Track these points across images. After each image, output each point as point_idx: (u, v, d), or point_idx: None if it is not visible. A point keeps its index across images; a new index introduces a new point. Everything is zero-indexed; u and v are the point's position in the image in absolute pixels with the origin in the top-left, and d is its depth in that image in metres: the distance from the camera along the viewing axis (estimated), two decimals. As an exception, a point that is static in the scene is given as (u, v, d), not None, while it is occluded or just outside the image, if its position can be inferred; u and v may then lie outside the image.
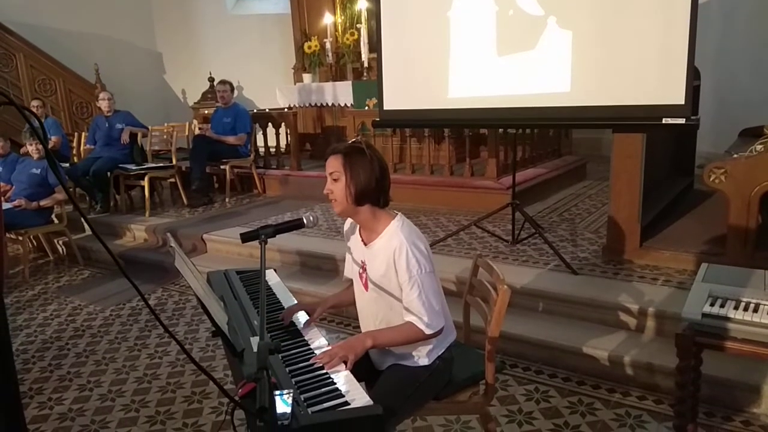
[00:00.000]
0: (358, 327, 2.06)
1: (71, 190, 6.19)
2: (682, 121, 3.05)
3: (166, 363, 3.31)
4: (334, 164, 1.81)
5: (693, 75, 3.05)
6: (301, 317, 2.00)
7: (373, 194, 1.82)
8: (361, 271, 1.95)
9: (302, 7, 8.24)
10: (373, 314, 1.96)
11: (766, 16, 5.62)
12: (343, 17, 7.90)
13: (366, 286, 1.94)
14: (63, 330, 3.89)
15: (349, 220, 2.02)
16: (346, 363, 1.67)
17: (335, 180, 1.81)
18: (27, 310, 4.27)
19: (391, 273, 1.82)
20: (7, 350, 0.84)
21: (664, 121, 3.09)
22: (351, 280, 2.08)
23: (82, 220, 5.61)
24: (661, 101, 3.10)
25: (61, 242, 5.61)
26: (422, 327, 1.78)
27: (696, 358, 2.09)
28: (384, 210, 1.89)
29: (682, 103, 3.03)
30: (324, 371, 1.63)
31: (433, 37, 3.91)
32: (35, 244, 5.77)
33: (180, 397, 2.94)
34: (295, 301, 2.16)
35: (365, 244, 1.92)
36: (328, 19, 7.56)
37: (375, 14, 4.23)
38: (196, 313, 3.99)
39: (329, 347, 1.76)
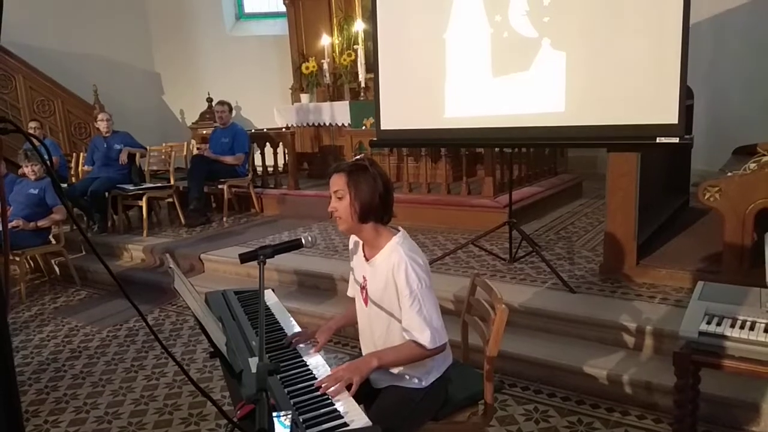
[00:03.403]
0: (356, 346, 2.06)
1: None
2: (675, 140, 3.08)
3: (163, 384, 3.29)
4: (338, 182, 1.83)
5: (686, 94, 3.09)
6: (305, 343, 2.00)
7: (378, 211, 1.84)
8: (362, 286, 1.96)
9: (300, 28, 8.34)
10: (371, 330, 1.96)
11: (756, 34, 5.71)
12: (340, 38, 7.99)
13: (366, 302, 1.95)
14: (59, 351, 3.87)
15: (353, 238, 2.03)
16: (350, 387, 1.66)
17: (340, 198, 1.83)
18: (23, 331, 4.25)
19: (391, 289, 1.83)
20: (11, 372, 0.85)
21: (657, 140, 3.13)
22: (353, 299, 2.08)
23: (83, 239, 5.62)
24: (654, 120, 3.14)
25: (57, 262, 5.59)
26: (424, 344, 1.77)
27: (694, 377, 2.09)
28: (386, 227, 1.90)
29: (676, 122, 3.07)
30: (340, 396, 1.62)
31: (429, 58, 3.96)
32: (32, 264, 5.75)
33: (177, 419, 2.92)
34: (293, 321, 2.16)
35: (367, 260, 1.93)
36: (325, 40, 7.64)
37: (372, 36, 4.29)
38: (194, 334, 3.97)
39: (333, 369, 1.75)
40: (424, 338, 1.77)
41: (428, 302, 1.79)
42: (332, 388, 1.63)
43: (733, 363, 1.92)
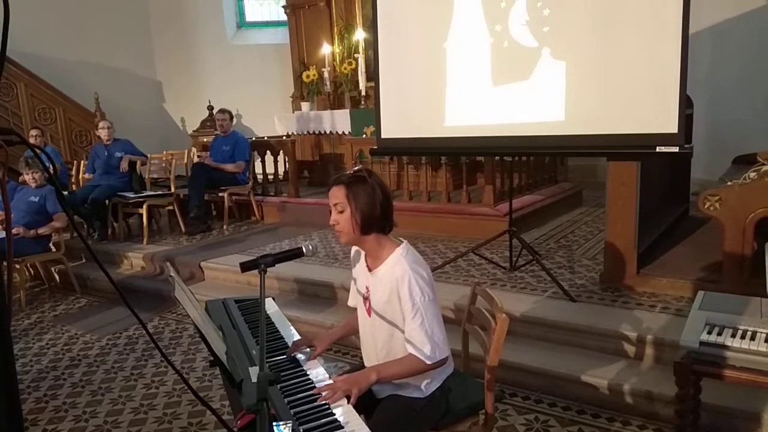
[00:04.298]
0: (356, 355, 2.06)
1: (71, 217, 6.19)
2: (675, 149, 3.09)
3: (163, 393, 3.28)
4: (337, 195, 1.82)
5: (685, 103, 3.10)
6: (304, 350, 2.00)
7: (379, 221, 1.84)
8: (365, 297, 1.96)
9: (301, 37, 8.37)
10: (374, 341, 1.96)
11: (756, 43, 5.74)
12: (341, 47, 8.03)
13: (369, 313, 1.95)
14: (59, 359, 3.86)
15: (355, 247, 2.03)
16: (349, 398, 1.65)
17: (340, 212, 1.82)
18: (23, 339, 4.24)
19: (394, 300, 1.83)
20: (13, 381, 0.85)
21: (657, 149, 3.13)
22: (353, 308, 2.08)
23: (84, 247, 5.62)
24: (654, 130, 3.15)
25: (57, 270, 5.59)
26: (424, 359, 1.77)
27: (695, 387, 2.09)
28: (389, 237, 1.90)
29: (675, 131, 3.08)
30: (340, 406, 1.62)
31: (429, 67, 3.98)
32: (32, 272, 5.75)
33: (176, 428, 2.90)
34: (293, 330, 2.16)
35: (370, 271, 1.93)
36: (326, 49, 7.67)
37: (373, 44, 4.31)
38: (193, 342, 3.96)
39: (332, 379, 1.75)
40: (425, 352, 1.76)
41: (430, 315, 1.78)
42: (330, 399, 1.63)
43: (734, 373, 1.92)
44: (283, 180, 7.01)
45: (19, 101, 7.96)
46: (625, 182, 3.49)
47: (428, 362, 1.78)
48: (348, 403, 1.63)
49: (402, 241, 1.92)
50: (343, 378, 1.74)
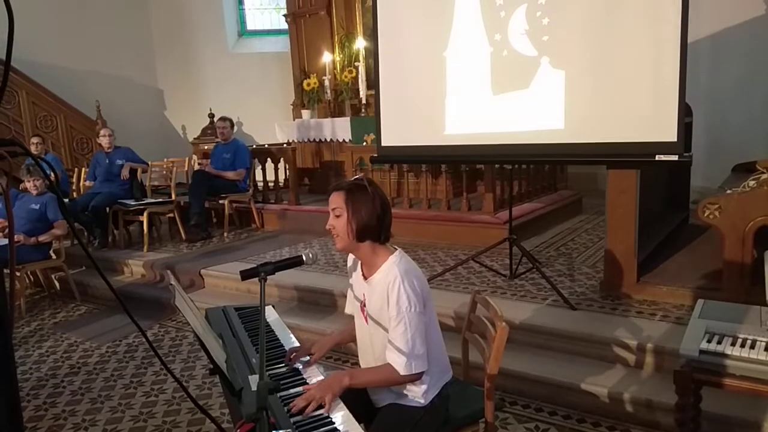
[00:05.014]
0: (357, 363, 2.06)
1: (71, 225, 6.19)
2: (674, 157, 3.10)
3: (162, 401, 3.28)
4: (336, 200, 1.84)
5: (685, 112, 3.11)
6: (302, 358, 2.00)
7: (375, 230, 1.85)
8: (361, 305, 1.96)
9: (301, 45, 8.41)
10: (372, 348, 1.96)
11: (755, 52, 5.77)
12: (341, 56, 8.06)
13: (366, 320, 1.95)
14: (58, 367, 3.85)
15: (351, 256, 2.04)
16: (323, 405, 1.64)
17: (337, 216, 1.84)
18: (23, 347, 4.23)
19: (386, 307, 1.83)
20: (14, 389, 0.85)
21: (657, 157, 3.14)
22: (352, 316, 2.08)
23: (86, 255, 5.62)
24: (653, 138, 3.16)
25: (57, 277, 5.59)
26: (399, 369, 1.76)
27: (695, 395, 2.08)
28: (384, 246, 1.91)
29: (675, 140, 3.09)
30: (322, 411, 1.62)
31: (429, 75, 4.00)
32: (32, 279, 5.75)
33: (176, 436, 2.90)
34: (293, 338, 2.16)
35: (365, 279, 1.94)
36: (327, 57, 7.70)
37: (373, 53, 4.34)
38: (193, 350, 3.96)
39: (305, 387, 1.74)
40: (399, 363, 1.76)
41: (414, 327, 1.77)
42: (306, 409, 1.61)
43: (734, 382, 1.92)
44: (284, 187, 7.02)
45: (21, 109, 7.99)
46: (624, 190, 3.50)
47: (403, 373, 1.77)
48: (324, 410, 1.62)
49: (396, 249, 1.92)
50: (315, 385, 1.73)
